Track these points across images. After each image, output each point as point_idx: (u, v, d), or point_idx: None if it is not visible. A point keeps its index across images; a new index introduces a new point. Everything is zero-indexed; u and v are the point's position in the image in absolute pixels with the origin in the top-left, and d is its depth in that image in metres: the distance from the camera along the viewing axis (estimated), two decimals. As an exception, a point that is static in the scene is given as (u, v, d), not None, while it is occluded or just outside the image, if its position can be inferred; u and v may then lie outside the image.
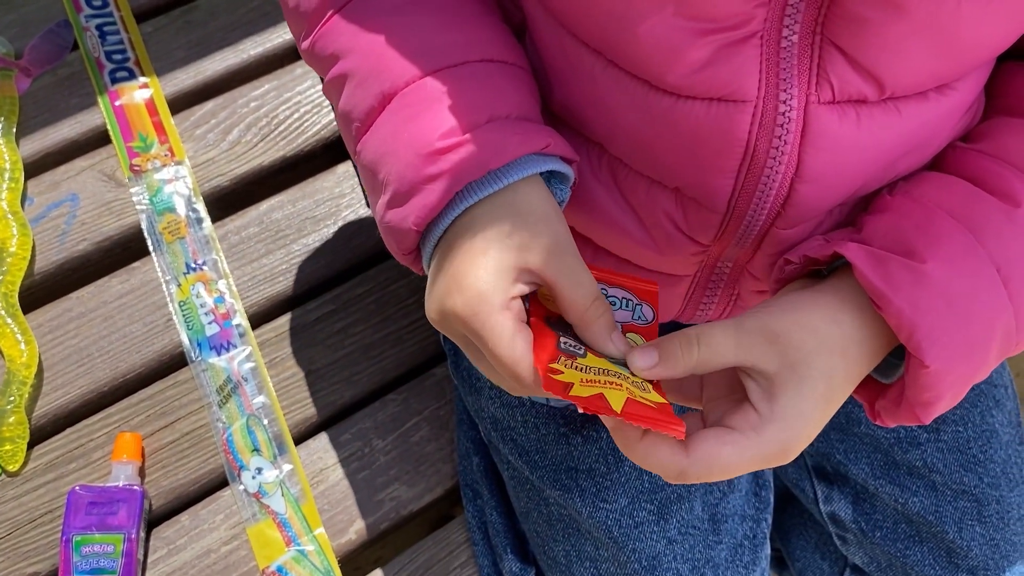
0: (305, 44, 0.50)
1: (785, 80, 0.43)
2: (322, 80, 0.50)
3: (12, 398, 0.70)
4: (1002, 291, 0.43)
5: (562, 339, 0.42)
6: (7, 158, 0.80)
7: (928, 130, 0.47)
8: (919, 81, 0.44)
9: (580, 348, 0.42)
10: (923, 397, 0.43)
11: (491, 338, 0.40)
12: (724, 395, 0.44)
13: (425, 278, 0.45)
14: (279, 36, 0.90)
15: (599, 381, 0.40)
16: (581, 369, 0.40)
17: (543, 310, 0.43)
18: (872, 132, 0.45)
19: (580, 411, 0.39)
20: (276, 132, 0.85)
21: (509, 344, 0.40)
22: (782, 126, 0.44)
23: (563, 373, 0.39)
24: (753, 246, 0.50)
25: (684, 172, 0.47)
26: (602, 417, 0.40)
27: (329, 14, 0.47)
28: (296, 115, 0.86)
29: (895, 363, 0.46)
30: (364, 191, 0.83)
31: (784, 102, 0.43)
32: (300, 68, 0.89)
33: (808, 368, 0.41)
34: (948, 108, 0.47)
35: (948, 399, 0.44)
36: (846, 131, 0.44)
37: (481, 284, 0.41)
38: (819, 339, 0.42)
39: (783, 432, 0.40)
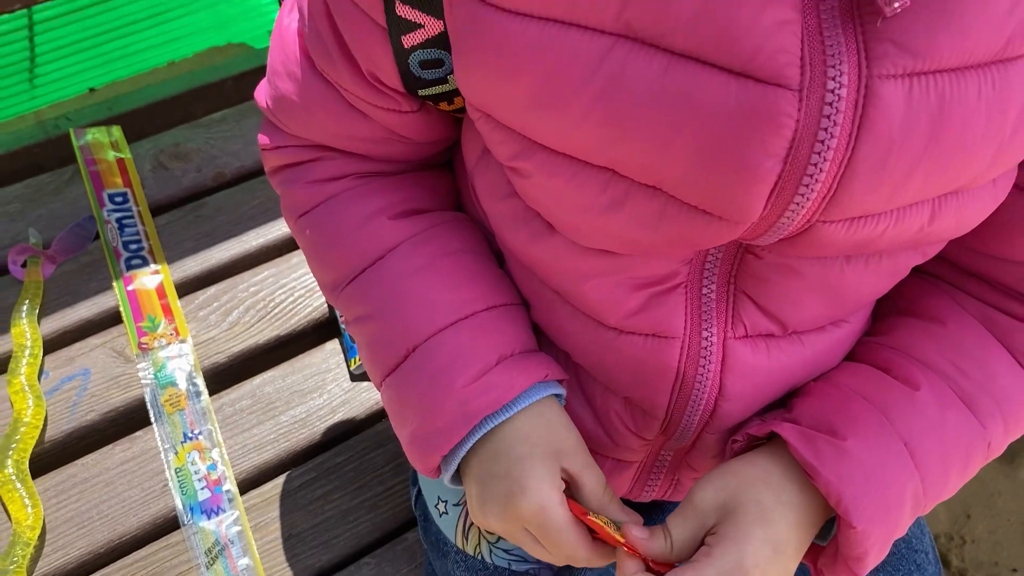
0: (332, 296, 0.59)
1: (706, 321, 0.52)
2: (345, 319, 0.60)
3: (15, 559, 0.76)
4: (909, 461, 0.52)
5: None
6: (29, 336, 0.89)
7: (829, 354, 0.56)
8: (815, 321, 0.54)
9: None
10: (854, 553, 0.51)
11: (555, 531, 0.50)
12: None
13: (401, 452, 0.54)
14: (278, 229, 1.01)
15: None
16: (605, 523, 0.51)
17: None
18: (780, 360, 0.54)
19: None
20: (272, 314, 0.95)
21: (570, 532, 0.50)
22: (705, 357, 0.53)
23: (600, 526, 0.50)
24: (690, 443, 0.58)
25: (629, 388, 0.56)
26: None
27: (351, 278, 0.57)
28: (291, 299, 0.96)
29: (829, 527, 0.54)
30: (348, 366, 0.92)
31: (706, 338, 0.52)
32: (296, 257, 1.00)
33: (736, 500, 0.50)
34: (844, 335, 0.56)
35: (875, 553, 0.52)
36: (758, 360, 0.53)
37: (543, 486, 0.50)
38: (744, 482, 0.51)
39: (730, 550, 0.48)
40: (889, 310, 0.60)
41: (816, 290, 0.51)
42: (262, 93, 0.59)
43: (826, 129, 0.40)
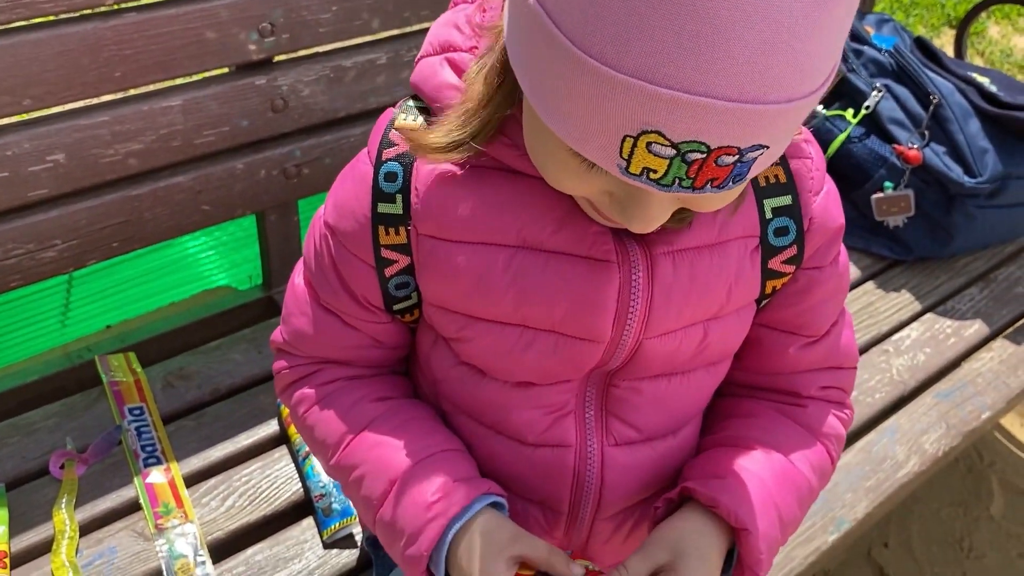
0: (332, 462, 0.82)
1: (589, 434, 0.81)
2: (342, 483, 0.83)
3: None
4: (764, 486, 0.79)
5: None
6: (67, 522, 1.13)
7: (671, 455, 0.85)
8: (659, 429, 0.83)
9: None
10: (754, 557, 0.75)
11: None
12: None
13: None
14: (264, 431, 1.28)
15: None
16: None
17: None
18: (639, 459, 0.83)
19: None
20: (260, 498, 1.20)
21: None
22: (591, 459, 0.81)
23: None
24: (586, 535, 0.85)
25: (542, 490, 0.83)
26: None
27: (345, 443, 0.81)
28: (275, 486, 1.22)
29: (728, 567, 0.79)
30: (322, 536, 1.16)
31: (590, 446, 0.81)
32: (278, 452, 1.26)
33: (688, 547, 0.74)
34: (679, 443, 0.85)
35: (767, 557, 0.76)
36: (625, 459, 0.82)
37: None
38: (684, 533, 0.76)
39: None
40: (723, 417, 0.89)
41: (654, 403, 0.81)
42: (278, 335, 0.88)
43: (635, 281, 0.72)
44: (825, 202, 0.78)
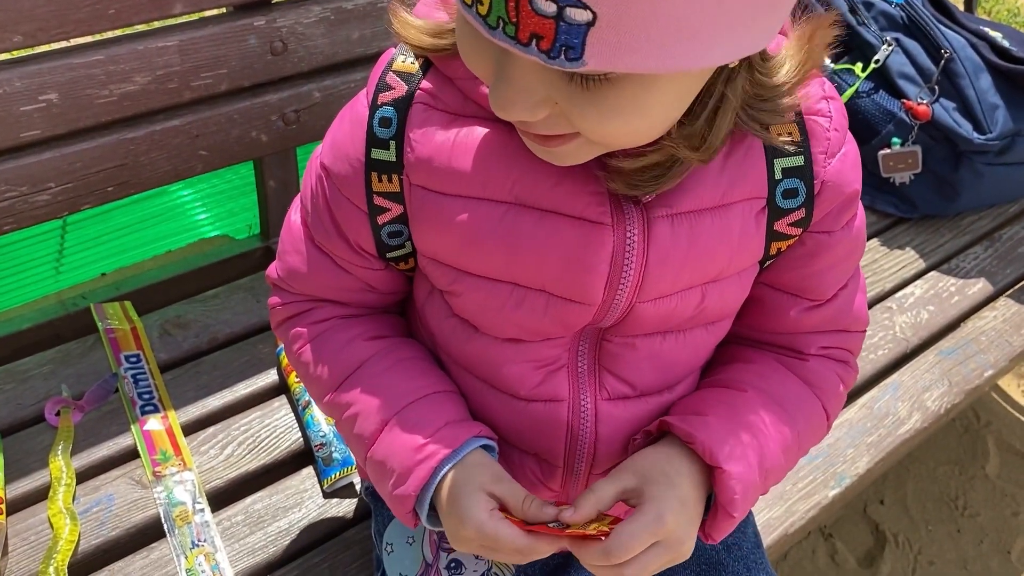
0: (326, 399, 0.82)
1: (582, 389, 0.79)
2: (336, 420, 0.82)
3: (60, 643, 0.96)
4: (753, 433, 0.77)
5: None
6: (64, 470, 1.11)
7: (668, 408, 0.82)
8: (654, 385, 0.81)
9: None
10: (727, 496, 0.72)
11: (493, 540, 0.69)
12: None
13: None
14: (263, 381, 1.26)
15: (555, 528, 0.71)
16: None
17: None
18: (634, 413, 0.81)
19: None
20: (259, 447, 1.19)
21: (505, 537, 0.69)
22: (584, 414, 0.80)
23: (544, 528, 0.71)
24: (581, 491, 0.82)
25: (536, 443, 0.82)
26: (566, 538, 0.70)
27: (339, 381, 0.80)
28: (274, 435, 1.20)
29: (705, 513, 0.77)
30: (321, 486, 1.15)
31: (583, 400, 0.79)
32: (277, 402, 1.25)
33: (655, 473, 0.72)
34: (678, 396, 0.83)
35: (742, 498, 0.73)
36: (619, 413, 0.80)
37: (474, 514, 0.70)
38: (654, 460, 0.74)
39: (651, 508, 0.69)
40: (721, 363, 0.87)
41: (649, 360, 0.79)
42: (272, 270, 0.87)
43: (630, 245, 0.70)
44: (841, 165, 0.74)
